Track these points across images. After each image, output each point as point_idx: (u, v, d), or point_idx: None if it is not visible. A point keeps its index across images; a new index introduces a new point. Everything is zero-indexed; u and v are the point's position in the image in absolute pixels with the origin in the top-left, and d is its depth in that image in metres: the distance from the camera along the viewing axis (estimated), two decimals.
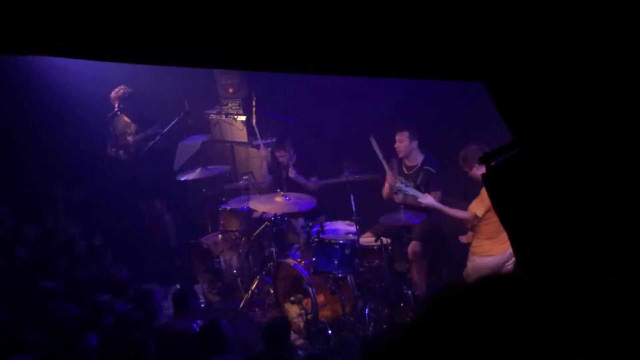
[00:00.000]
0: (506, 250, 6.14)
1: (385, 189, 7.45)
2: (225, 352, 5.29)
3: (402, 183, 6.75)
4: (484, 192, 6.03)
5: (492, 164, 2.06)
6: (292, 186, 8.06)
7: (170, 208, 9.38)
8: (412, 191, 6.70)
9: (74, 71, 8.37)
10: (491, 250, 6.21)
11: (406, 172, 7.34)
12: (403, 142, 7.22)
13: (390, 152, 7.38)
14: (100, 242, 8.48)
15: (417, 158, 7.29)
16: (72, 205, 9.10)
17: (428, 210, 6.88)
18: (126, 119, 8.98)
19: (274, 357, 5.49)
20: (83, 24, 2.35)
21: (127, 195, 9.13)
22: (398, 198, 7.10)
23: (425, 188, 7.04)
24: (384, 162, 7.26)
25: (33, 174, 8.98)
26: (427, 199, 6.63)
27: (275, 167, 8.55)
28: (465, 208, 6.50)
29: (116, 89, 8.81)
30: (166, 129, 8.81)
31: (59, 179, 8.98)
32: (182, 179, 8.53)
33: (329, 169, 8.10)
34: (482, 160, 2.11)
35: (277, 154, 8.30)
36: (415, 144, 7.23)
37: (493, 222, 6.01)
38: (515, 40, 1.73)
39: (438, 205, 6.64)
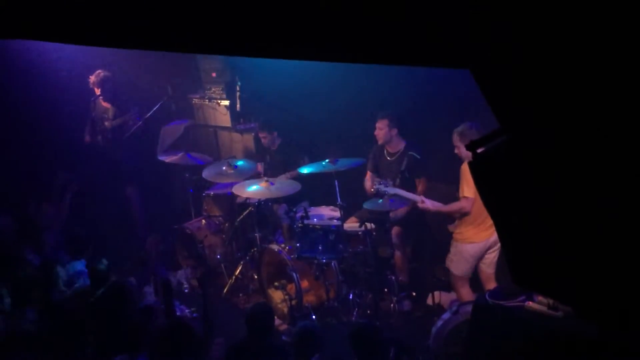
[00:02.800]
0: (489, 237, 6.15)
1: (367, 183, 7.49)
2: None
3: (380, 184, 6.73)
4: (467, 172, 6.01)
5: (479, 151, 2.04)
6: (274, 170, 8.05)
7: (145, 194, 9.29)
8: (392, 190, 6.68)
9: (54, 56, 8.29)
10: (474, 237, 6.21)
11: (388, 158, 7.34)
12: (383, 129, 7.25)
13: (372, 138, 7.39)
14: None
15: (399, 144, 7.32)
16: (55, 191, 9.04)
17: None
18: (105, 103, 8.87)
19: (259, 343, 5.47)
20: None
21: (108, 181, 9.06)
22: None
23: (410, 174, 7.04)
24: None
25: (14, 160, 8.89)
26: (425, 204, 6.56)
27: (261, 153, 8.55)
28: (448, 193, 6.50)
29: (95, 73, 8.70)
30: (149, 114, 8.74)
31: (42, 165, 8.91)
32: (165, 159, 8.47)
33: (314, 153, 8.07)
34: (469, 148, 2.10)
35: (260, 134, 8.28)
36: (395, 131, 7.26)
37: (477, 206, 6.02)
38: (503, 25, 1.72)
39: (435, 208, 6.55)
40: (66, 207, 8.37)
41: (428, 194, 6.91)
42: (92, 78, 8.72)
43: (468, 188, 6.05)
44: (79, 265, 6.91)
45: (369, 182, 7.45)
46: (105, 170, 9.06)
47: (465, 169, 6.08)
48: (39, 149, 9.00)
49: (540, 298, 4.86)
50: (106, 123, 8.83)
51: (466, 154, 5.95)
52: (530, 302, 4.91)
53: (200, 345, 5.17)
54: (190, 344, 4.85)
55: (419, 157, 7.15)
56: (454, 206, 6.29)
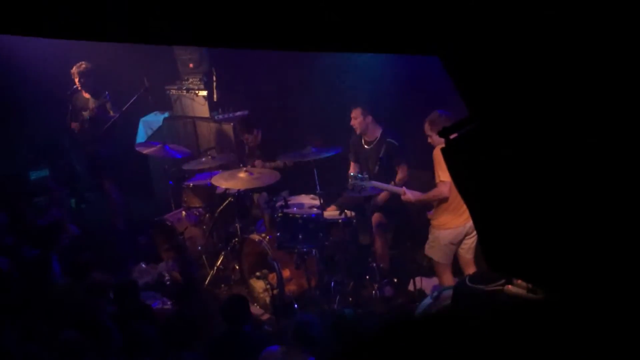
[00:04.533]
0: (465, 223, 6.18)
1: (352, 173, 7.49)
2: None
3: (357, 179, 6.71)
4: (440, 157, 6.03)
5: (451, 137, 2.04)
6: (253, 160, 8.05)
7: (124, 187, 9.26)
8: (368, 183, 6.66)
9: (30, 49, 8.23)
10: (449, 223, 6.25)
11: (366, 146, 7.35)
12: (357, 118, 7.25)
13: (349, 129, 7.40)
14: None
15: (375, 132, 7.32)
16: (33, 187, 9.03)
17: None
18: (86, 95, 8.82)
19: (237, 334, 5.48)
20: None
21: (87, 174, 9.04)
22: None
23: (388, 161, 7.05)
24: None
25: None
26: (406, 196, 6.54)
27: (238, 143, 8.52)
28: (429, 181, 6.51)
29: (77, 64, 8.65)
30: (126, 106, 8.67)
31: (20, 159, 8.89)
32: (143, 151, 8.44)
33: (292, 142, 8.06)
34: (441, 134, 2.10)
35: (243, 138, 8.24)
36: (369, 119, 7.26)
37: (451, 195, 6.05)
38: (468, 11, 1.71)
39: (416, 198, 6.52)
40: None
41: (410, 183, 6.92)
42: (74, 69, 8.65)
43: (443, 172, 6.07)
44: None
45: (353, 172, 7.43)
46: (83, 163, 9.03)
47: (437, 154, 6.10)
48: (17, 145, 8.98)
49: (519, 281, 4.90)
50: (84, 113, 8.77)
51: (438, 141, 5.98)
52: (510, 286, 4.94)
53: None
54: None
55: (397, 143, 7.16)
56: (433, 192, 6.30)
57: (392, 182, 6.96)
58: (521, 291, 4.85)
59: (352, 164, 7.62)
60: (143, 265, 8.30)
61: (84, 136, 8.87)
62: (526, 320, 4.22)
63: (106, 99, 8.68)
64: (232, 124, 9.05)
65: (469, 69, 1.81)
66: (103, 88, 8.77)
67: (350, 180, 6.80)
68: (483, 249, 2.35)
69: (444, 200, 6.19)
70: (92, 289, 6.11)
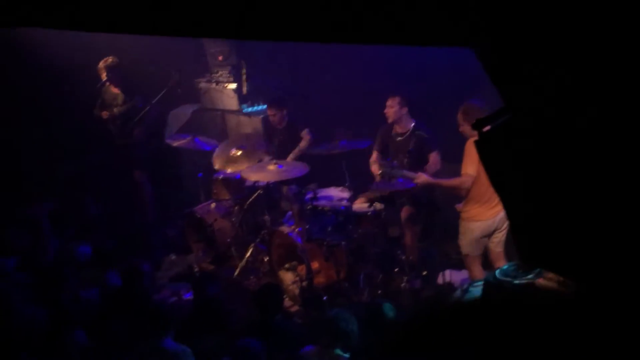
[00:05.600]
0: (496, 216, 6.14)
1: (373, 163, 7.46)
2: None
3: (387, 167, 6.72)
4: (470, 150, 6.00)
5: (485, 129, 2.04)
6: (283, 153, 8.06)
7: (154, 179, 9.34)
8: (399, 172, 6.67)
9: (62, 42, 8.29)
10: (480, 215, 6.21)
11: (397, 138, 7.32)
12: (393, 107, 7.19)
13: (380, 119, 7.36)
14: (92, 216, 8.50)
15: (408, 124, 7.27)
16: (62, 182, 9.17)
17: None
18: (114, 89, 8.89)
19: (269, 323, 5.51)
20: None
21: (118, 167, 9.13)
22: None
23: (418, 153, 7.02)
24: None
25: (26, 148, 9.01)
26: (421, 178, 6.55)
27: (268, 135, 8.55)
28: (456, 171, 6.48)
29: (104, 59, 8.71)
30: (156, 99, 8.73)
31: (53, 152, 9.01)
32: (173, 144, 8.50)
33: (321, 134, 8.06)
34: (475, 127, 2.09)
35: (269, 112, 8.25)
36: (405, 110, 7.20)
37: (482, 185, 6.00)
38: (504, 2, 1.70)
39: (433, 180, 6.56)
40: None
41: (441, 173, 6.88)
42: (101, 64, 8.73)
43: (470, 165, 6.04)
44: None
45: (375, 162, 7.42)
46: (114, 155, 9.11)
47: (469, 146, 6.07)
48: (49, 139, 9.09)
49: (551, 275, 4.85)
50: (115, 109, 8.85)
51: (470, 132, 5.94)
52: (541, 279, 4.89)
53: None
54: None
55: (426, 135, 7.11)
56: (453, 181, 6.29)
57: (420, 172, 6.90)
58: (553, 285, 4.79)
59: (374, 152, 7.56)
60: (173, 257, 8.37)
61: (115, 129, 8.94)
62: (557, 314, 4.19)
63: (137, 102, 8.75)
64: (260, 116, 9.07)
65: (505, 61, 1.80)
66: (133, 84, 8.84)
67: (380, 167, 6.81)
68: (515, 241, 2.34)
69: (475, 192, 6.15)
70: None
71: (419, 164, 7.00)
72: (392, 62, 7.73)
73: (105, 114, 8.91)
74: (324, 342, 5.07)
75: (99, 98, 8.95)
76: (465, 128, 6.04)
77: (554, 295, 4.77)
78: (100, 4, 2.34)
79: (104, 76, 8.76)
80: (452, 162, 7.16)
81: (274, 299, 5.75)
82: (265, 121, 8.66)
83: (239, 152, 7.79)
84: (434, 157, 7.06)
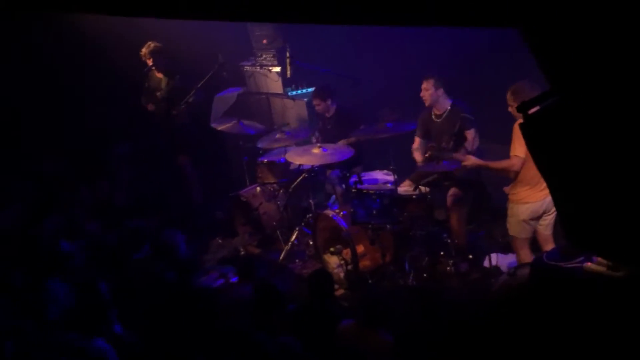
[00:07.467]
0: (544, 198, 6.03)
1: (415, 149, 7.41)
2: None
3: (435, 150, 6.74)
4: (518, 132, 5.90)
5: (530, 112, 2.00)
6: (329, 137, 8.04)
7: (200, 162, 9.44)
8: (448, 155, 6.64)
9: (109, 26, 8.40)
10: (529, 197, 6.11)
11: (437, 120, 7.23)
12: (429, 90, 7.09)
13: (419, 102, 7.28)
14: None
15: (445, 104, 7.16)
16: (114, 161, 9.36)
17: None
18: (159, 74, 8.97)
19: (322, 307, 5.53)
20: None
21: (166, 150, 9.25)
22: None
23: (458, 132, 6.93)
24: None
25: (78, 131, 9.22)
26: (470, 160, 6.49)
27: (312, 118, 8.55)
28: (499, 151, 6.39)
29: (146, 45, 8.80)
30: (201, 83, 8.78)
31: (104, 136, 9.21)
32: (218, 127, 8.56)
33: (367, 117, 8.03)
34: (520, 109, 2.06)
35: (314, 102, 8.24)
36: (441, 91, 7.09)
37: (531, 167, 5.89)
38: None
39: (481, 162, 6.48)
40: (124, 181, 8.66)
41: (483, 154, 6.80)
42: (144, 50, 8.81)
43: (520, 147, 5.94)
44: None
45: (418, 149, 7.37)
46: (160, 139, 9.22)
47: (517, 127, 5.96)
48: (98, 122, 9.26)
49: (599, 259, 4.77)
50: (157, 94, 8.94)
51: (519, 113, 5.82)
52: (589, 263, 4.81)
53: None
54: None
55: (472, 117, 7.00)
56: (502, 163, 6.19)
57: (463, 149, 6.83)
58: (601, 268, 4.72)
59: (416, 139, 7.48)
60: (219, 240, 8.45)
61: (160, 114, 9.03)
62: (606, 298, 4.12)
63: (177, 83, 8.81)
64: (305, 100, 9.07)
65: (553, 43, 1.75)
66: (176, 68, 8.90)
67: (428, 150, 6.80)
68: (562, 225, 2.30)
69: (523, 174, 6.05)
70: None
71: (461, 143, 6.91)
72: (437, 41, 7.64)
73: (151, 107, 9.01)
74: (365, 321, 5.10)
75: (145, 83, 9.05)
76: (515, 109, 5.93)
77: (602, 279, 4.70)
78: None
79: (150, 62, 8.83)
80: (496, 141, 7.09)
81: (328, 285, 5.76)
82: (311, 105, 8.64)
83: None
84: (471, 135, 6.94)
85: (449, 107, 7.14)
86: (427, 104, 7.22)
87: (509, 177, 6.28)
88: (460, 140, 6.93)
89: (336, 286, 7.13)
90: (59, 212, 7.73)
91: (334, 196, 8.09)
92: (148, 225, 7.49)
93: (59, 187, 8.46)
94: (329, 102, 8.11)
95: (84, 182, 8.74)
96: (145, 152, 9.56)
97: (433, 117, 7.27)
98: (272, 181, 8.31)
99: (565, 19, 1.68)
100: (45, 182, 8.48)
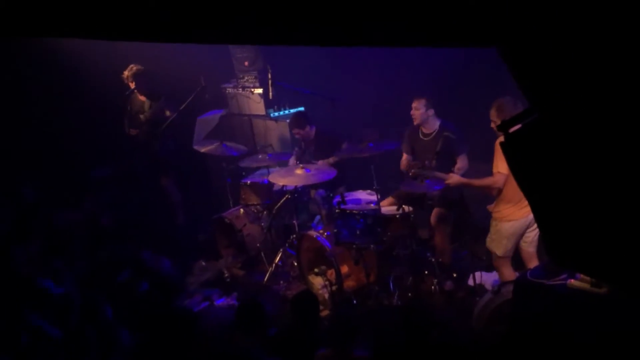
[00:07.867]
0: (528, 215, 6.04)
1: (403, 163, 7.44)
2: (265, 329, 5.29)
3: (418, 169, 6.75)
4: (499, 149, 5.92)
5: (510, 130, 2.01)
6: (312, 159, 8.06)
7: (182, 184, 9.40)
8: (431, 173, 6.66)
9: (89, 50, 8.39)
10: (512, 215, 6.12)
11: (424, 138, 7.27)
12: (419, 109, 7.14)
13: (407, 119, 7.32)
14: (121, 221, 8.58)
15: (434, 124, 7.21)
16: (94, 184, 9.27)
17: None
18: (141, 97, 8.96)
19: (306, 331, 5.49)
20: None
21: (147, 173, 9.21)
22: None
23: (445, 154, 6.97)
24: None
25: (57, 154, 9.14)
26: (453, 179, 6.54)
27: (295, 140, 8.57)
28: (488, 171, 6.42)
29: (128, 68, 8.79)
30: (184, 105, 8.77)
31: (84, 159, 9.13)
32: (200, 149, 8.54)
33: (349, 136, 8.05)
34: (500, 128, 2.07)
35: (293, 132, 8.27)
36: (431, 112, 7.15)
37: (513, 185, 5.91)
38: (532, 2, 1.68)
39: (465, 180, 6.54)
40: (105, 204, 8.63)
41: (468, 174, 6.84)
42: (126, 73, 8.80)
43: (502, 163, 5.96)
44: None
45: (405, 164, 7.41)
46: (143, 161, 9.19)
47: (498, 144, 5.99)
48: (79, 145, 9.21)
49: (582, 275, 4.79)
50: (141, 116, 8.92)
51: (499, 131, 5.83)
52: (573, 280, 4.83)
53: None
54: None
55: (454, 136, 7.05)
56: (486, 180, 6.21)
57: (451, 172, 6.86)
58: (585, 285, 4.74)
59: (404, 155, 7.53)
60: (203, 263, 8.42)
61: (143, 136, 9.01)
62: (590, 315, 4.13)
63: (162, 104, 8.80)
64: (287, 121, 9.10)
65: (531, 61, 1.77)
66: (158, 90, 8.89)
67: (411, 168, 6.82)
68: (545, 242, 2.31)
69: (506, 191, 6.07)
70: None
71: (447, 165, 6.95)
72: (418, 61, 7.70)
73: (134, 131, 8.99)
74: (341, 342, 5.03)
75: (127, 106, 9.03)
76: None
77: (586, 296, 4.71)
78: (122, 13, 2.36)
79: (132, 85, 8.82)
80: (479, 160, 7.12)
81: (312, 307, 5.70)
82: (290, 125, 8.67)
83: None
84: (462, 160, 7.02)
85: (438, 128, 7.18)
86: (415, 123, 7.25)
87: (492, 195, 6.30)
88: (444, 161, 6.96)
89: (321, 307, 7.12)
90: (36, 238, 7.64)
91: (318, 216, 8.09)
92: (130, 248, 7.45)
93: (36, 212, 8.37)
94: (307, 128, 8.15)
95: (64, 206, 8.66)
96: (127, 175, 9.51)
97: (420, 135, 7.30)
98: (256, 202, 8.30)
99: (543, 38, 1.69)
100: (23, 207, 8.39)
